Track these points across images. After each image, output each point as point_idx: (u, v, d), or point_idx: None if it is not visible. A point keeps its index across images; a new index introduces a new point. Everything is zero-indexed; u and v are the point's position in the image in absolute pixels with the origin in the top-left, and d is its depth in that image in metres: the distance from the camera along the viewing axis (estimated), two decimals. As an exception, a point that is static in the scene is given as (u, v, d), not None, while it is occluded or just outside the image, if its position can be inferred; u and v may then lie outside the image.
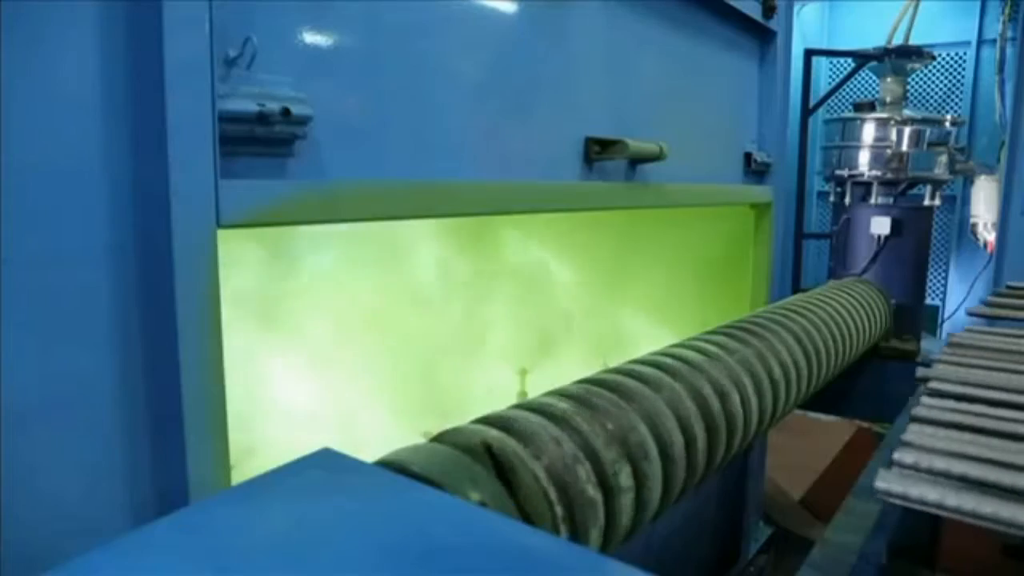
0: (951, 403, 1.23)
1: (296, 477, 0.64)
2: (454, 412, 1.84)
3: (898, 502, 0.92)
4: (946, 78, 4.11)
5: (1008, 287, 2.38)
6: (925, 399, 1.26)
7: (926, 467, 0.95)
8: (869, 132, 3.46)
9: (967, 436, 1.07)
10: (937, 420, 1.14)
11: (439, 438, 0.88)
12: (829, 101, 3.92)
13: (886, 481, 0.94)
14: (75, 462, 0.74)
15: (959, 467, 0.93)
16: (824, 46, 4.17)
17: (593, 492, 0.88)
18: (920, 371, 1.46)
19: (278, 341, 1.69)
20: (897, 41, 3.60)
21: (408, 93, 1.08)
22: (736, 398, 1.23)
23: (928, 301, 3.65)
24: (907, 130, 3.37)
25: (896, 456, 0.99)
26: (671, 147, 1.57)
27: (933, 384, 1.31)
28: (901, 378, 2.26)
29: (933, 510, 0.90)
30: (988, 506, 0.86)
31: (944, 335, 3.87)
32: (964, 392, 1.26)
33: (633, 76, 1.61)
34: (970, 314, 2.15)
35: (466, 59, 1.19)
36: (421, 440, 0.89)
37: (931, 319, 3.12)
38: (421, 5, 1.09)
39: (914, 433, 1.08)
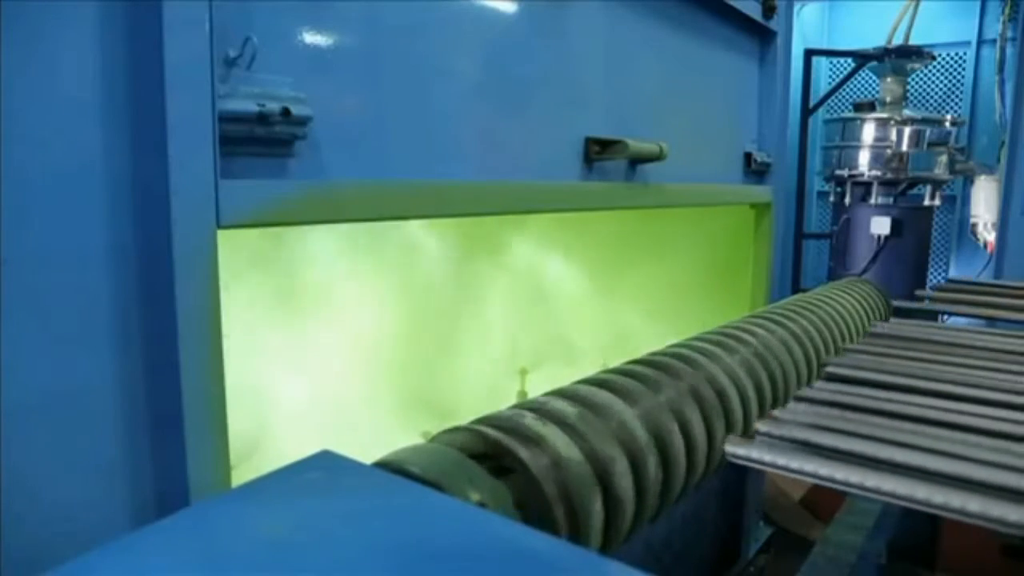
0: (838, 386, 1.29)
1: (296, 479, 0.64)
2: (454, 412, 1.84)
3: (740, 462, 1.01)
4: (946, 78, 4.10)
5: (950, 281, 2.39)
6: (817, 383, 1.32)
7: (777, 435, 1.04)
8: (869, 132, 3.47)
9: (834, 412, 1.14)
10: (815, 399, 1.21)
11: (438, 438, 0.88)
12: (829, 101, 3.92)
13: (732, 445, 1.03)
14: (75, 462, 0.74)
15: (803, 435, 1.02)
16: (824, 46, 4.17)
17: (592, 491, 0.88)
18: (824, 358, 1.54)
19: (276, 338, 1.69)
20: (897, 41, 3.60)
21: (408, 93, 1.08)
22: (736, 398, 1.23)
23: (928, 301, 3.64)
24: (907, 130, 3.37)
25: (755, 426, 1.08)
26: (671, 147, 1.57)
27: (829, 369, 1.37)
28: (900, 378, 2.26)
29: (767, 468, 0.99)
30: (811, 465, 0.95)
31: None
32: (854, 376, 1.32)
33: (633, 76, 1.61)
34: (896, 307, 2.18)
35: (466, 59, 1.19)
36: (420, 440, 0.89)
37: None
38: (421, 5, 1.09)
39: (787, 410, 1.15)
